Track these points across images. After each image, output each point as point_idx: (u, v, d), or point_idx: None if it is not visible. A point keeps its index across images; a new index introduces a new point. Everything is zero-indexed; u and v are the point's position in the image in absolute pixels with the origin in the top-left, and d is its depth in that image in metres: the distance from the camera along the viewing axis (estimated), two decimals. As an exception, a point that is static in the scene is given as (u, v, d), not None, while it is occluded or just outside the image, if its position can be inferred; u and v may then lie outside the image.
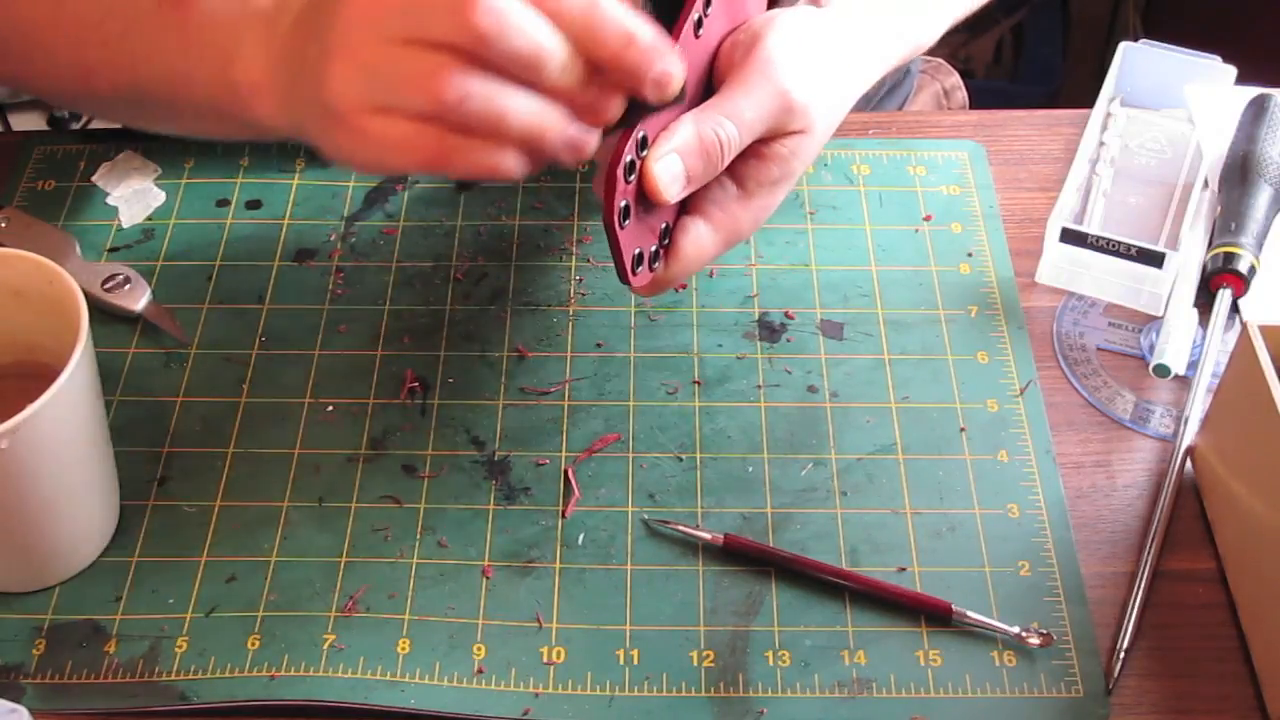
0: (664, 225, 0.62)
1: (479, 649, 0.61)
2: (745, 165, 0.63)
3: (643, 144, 0.59)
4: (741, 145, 0.61)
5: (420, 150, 0.57)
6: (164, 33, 0.66)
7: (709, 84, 0.63)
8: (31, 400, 0.56)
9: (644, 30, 0.55)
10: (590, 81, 0.56)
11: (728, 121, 0.60)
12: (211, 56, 0.64)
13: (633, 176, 0.58)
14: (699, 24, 0.62)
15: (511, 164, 0.57)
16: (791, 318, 0.74)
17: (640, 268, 0.61)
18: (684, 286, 0.76)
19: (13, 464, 0.57)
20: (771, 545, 0.65)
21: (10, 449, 0.56)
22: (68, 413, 0.58)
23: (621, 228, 0.58)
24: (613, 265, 0.59)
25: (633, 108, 0.58)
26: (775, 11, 0.65)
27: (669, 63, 0.56)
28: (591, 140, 0.58)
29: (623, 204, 0.58)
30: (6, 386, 0.62)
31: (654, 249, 0.61)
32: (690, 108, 0.61)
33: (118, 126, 0.83)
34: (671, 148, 0.59)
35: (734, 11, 0.65)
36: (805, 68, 0.62)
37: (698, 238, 0.62)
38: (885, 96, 1.01)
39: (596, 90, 0.57)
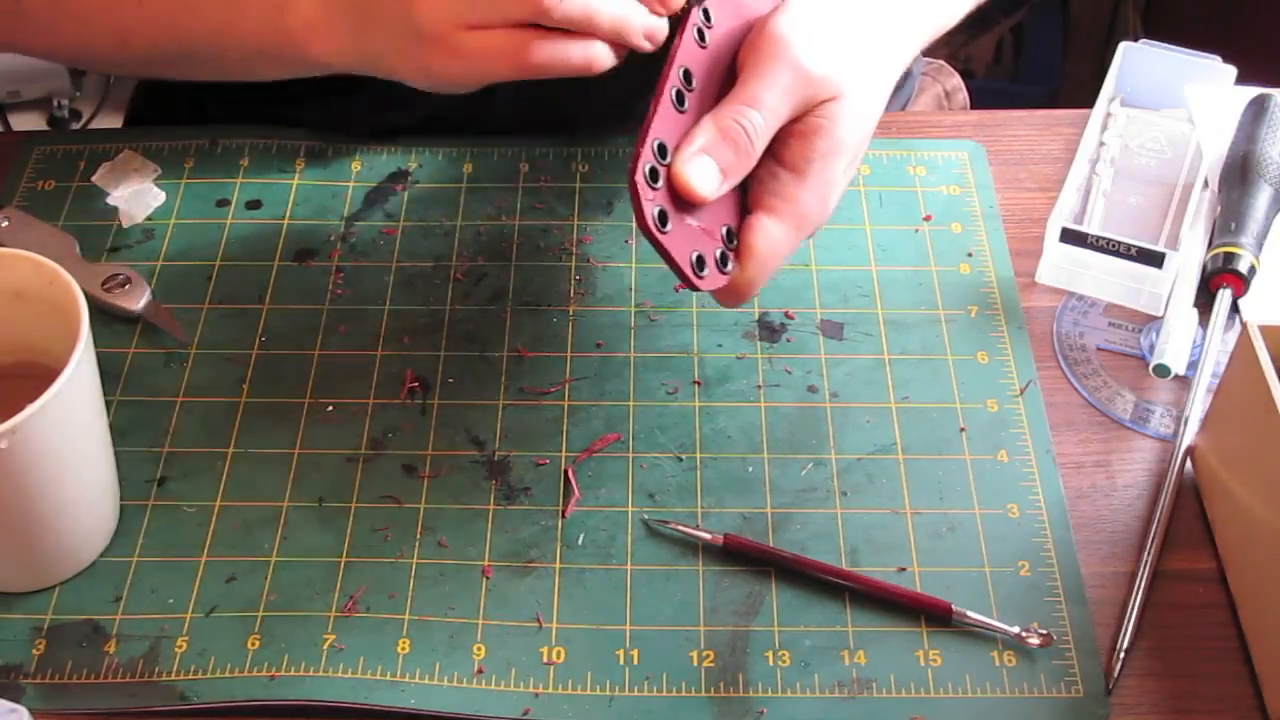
0: (726, 228, 0.62)
1: (479, 649, 0.61)
2: (789, 148, 0.62)
3: (662, 151, 0.59)
4: (770, 130, 0.60)
5: (519, 56, 0.62)
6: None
7: (724, 93, 0.63)
8: (31, 400, 0.56)
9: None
10: None
11: (748, 109, 0.60)
12: (258, 3, 0.67)
13: (659, 183, 0.59)
14: (701, 34, 0.62)
15: (604, 54, 0.64)
16: (791, 318, 0.74)
17: (706, 271, 0.60)
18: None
19: (13, 464, 0.57)
20: (771, 545, 0.65)
21: (10, 449, 0.56)
22: (68, 413, 0.58)
23: (662, 232, 0.58)
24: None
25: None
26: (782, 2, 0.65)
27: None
28: (664, 28, 0.64)
29: (656, 210, 0.58)
30: (6, 386, 0.62)
31: (720, 251, 0.61)
32: (705, 113, 0.61)
33: (118, 127, 0.83)
34: (697, 147, 0.59)
35: (741, 17, 0.65)
36: (819, 38, 0.62)
37: (765, 232, 0.62)
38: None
39: None
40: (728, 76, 0.64)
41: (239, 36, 0.69)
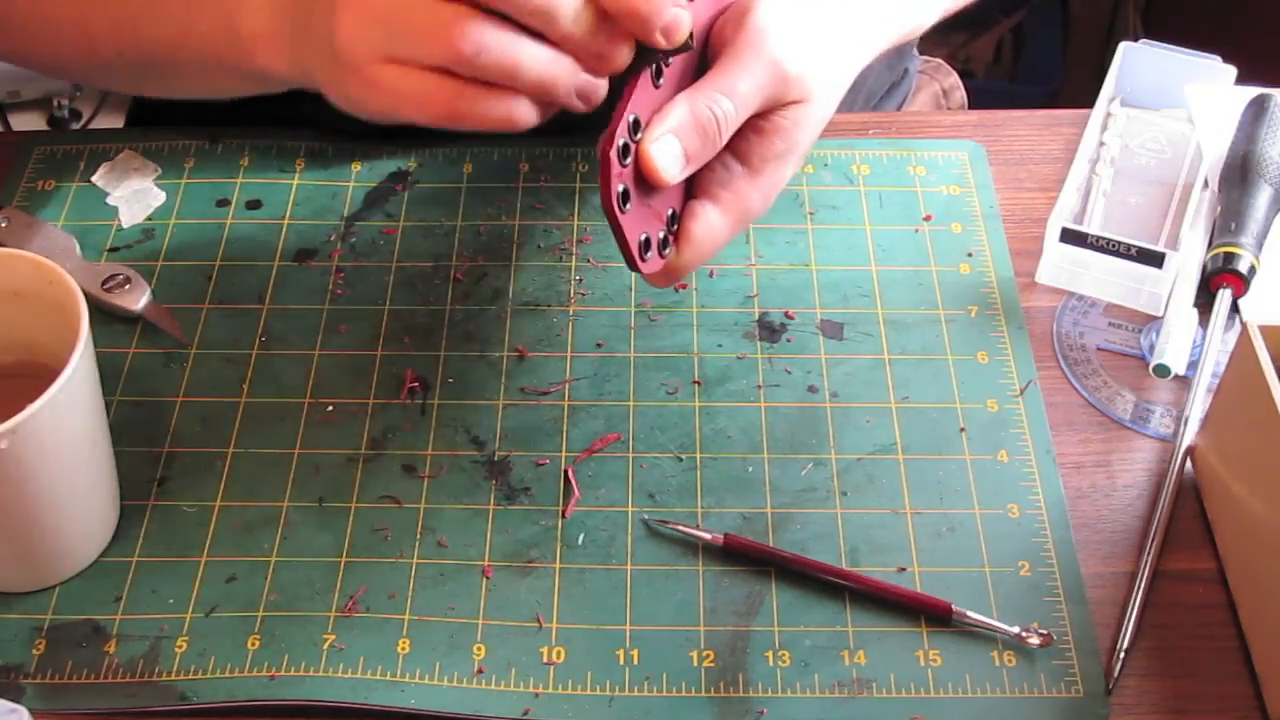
0: (671, 211, 0.61)
1: (479, 649, 0.61)
2: (747, 142, 0.62)
3: (635, 127, 0.58)
4: (739, 120, 0.60)
5: (434, 103, 0.58)
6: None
7: (701, 66, 0.63)
8: (31, 400, 0.56)
9: None
10: (599, 29, 0.57)
11: (722, 97, 0.59)
12: (214, 8, 0.64)
13: (629, 160, 0.58)
14: (625, 149, 0.60)
15: (524, 113, 0.59)
16: (791, 318, 0.74)
17: (649, 254, 0.60)
18: (683, 286, 0.75)
19: (13, 464, 0.57)
20: (771, 545, 0.65)
21: (10, 449, 0.56)
22: (68, 413, 0.58)
23: (622, 212, 0.58)
24: (620, 258, 0.59)
25: (640, 56, 0.58)
26: None
27: (677, 9, 0.57)
28: (601, 88, 0.59)
29: (620, 188, 0.58)
30: (6, 386, 0.62)
31: (663, 235, 0.61)
32: (682, 89, 0.60)
33: (118, 127, 0.83)
34: (667, 128, 0.58)
35: None
36: (797, 37, 0.62)
37: (707, 221, 0.62)
38: (885, 97, 1.01)
39: (605, 38, 0.57)
40: (699, 55, 0.63)
41: (195, 44, 0.67)
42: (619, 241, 0.59)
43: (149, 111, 0.99)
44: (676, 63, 0.61)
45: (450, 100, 0.57)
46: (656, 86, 0.60)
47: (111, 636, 0.62)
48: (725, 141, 0.60)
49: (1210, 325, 0.72)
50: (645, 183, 0.59)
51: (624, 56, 0.58)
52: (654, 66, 0.60)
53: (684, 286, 0.76)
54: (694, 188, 0.63)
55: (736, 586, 0.64)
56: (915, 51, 1.07)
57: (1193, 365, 0.72)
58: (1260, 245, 0.74)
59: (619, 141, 0.57)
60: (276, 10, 0.62)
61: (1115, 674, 0.61)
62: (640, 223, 0.59)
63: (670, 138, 0.58)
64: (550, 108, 0.59)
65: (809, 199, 0.80)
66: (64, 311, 0.60)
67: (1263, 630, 0.61)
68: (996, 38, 1.90)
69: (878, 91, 1.00)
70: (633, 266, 0.60)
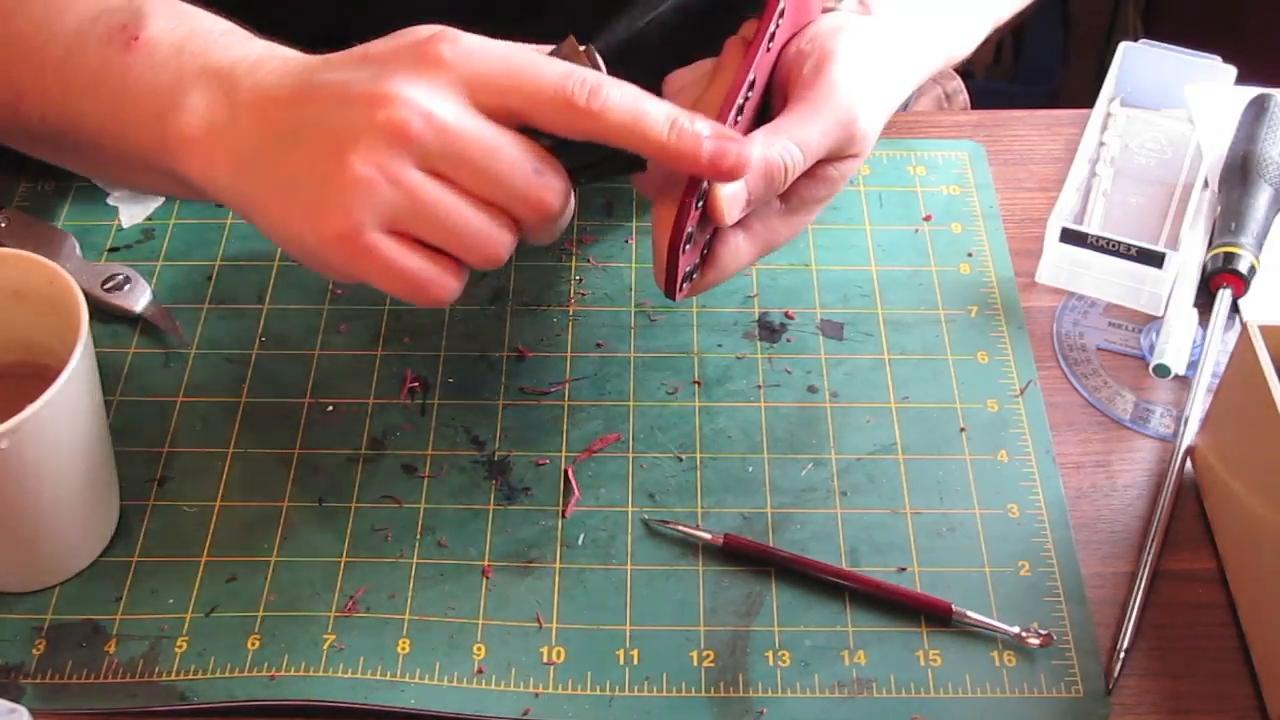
0: (708, 239, 0.62)
1: (479, 649, 0.61)
2: (795, 183, 0.62)
3: None
4: (802, 170, 0.60)
5: (424, 288, 0.56)
6: (106, 68, 0.60)
7: (768, 85, 0.63)
8: (32, 400, 0.55)
9: (705, 129, 0.55)
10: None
11: (795, 148, 0.59)
12: (149, 101, 0.59)
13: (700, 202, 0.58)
14: (772, 36, 0.61)
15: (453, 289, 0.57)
16: (791, 318, 0.74)
17: (685, 284, 0.61)
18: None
19: (13, 464, 0.57)
20: (771, 545, 0.65)
21: (10, 449, 0.56)
22: (68, 413, 0.58)
23: (684, 253, 0.59)
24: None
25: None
26: (838, 22, 0.64)
27: (738, 152, 0.55)
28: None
29: (689, 230, 0.58)
30: (7, 386, 0.62)
31: (696, 263, 0.62)
32: (754, 111, 0.61)
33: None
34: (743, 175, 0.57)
35: (799, 13, 0.64)
36: (871, 93, 0.62)
37: (736, 249, 0.62)
38: None
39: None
40: (771, 82, 0.63)
41: (118, 129, 0.60)
42: (666, 274, 0.59)
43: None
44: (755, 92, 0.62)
45: (447, 286, 0.56)
46: (737, 121, 0.60)
47: (111, 636, 0.62)
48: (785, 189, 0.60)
49: (1210, 325, 0.72)
50: (703, 221, 0.59)
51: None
52: (740, 103, 0.59)
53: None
54: None
55: (736, 586, 0.64)
56: None
57: (1193, 365, 0.72)
58: (1260, 245, 0.74)
59: (702, 186, 0.57)
60: (220, 123, 0.57)
61: (1115, 674, 0.61)
62: (688, 258, 0.60)
63: (741, 184, 0.58)
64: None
65: (809, 199, 0.80)
66: (64, 311, 0.60)
67: (1263, 630, 0.61)
68: (996, 38, 1.90)
69: None
70: (670, 295, 0.60)
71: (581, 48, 0.57)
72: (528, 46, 0.57)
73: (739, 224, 0.62)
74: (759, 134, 0.59)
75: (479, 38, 0.55)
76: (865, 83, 0.62)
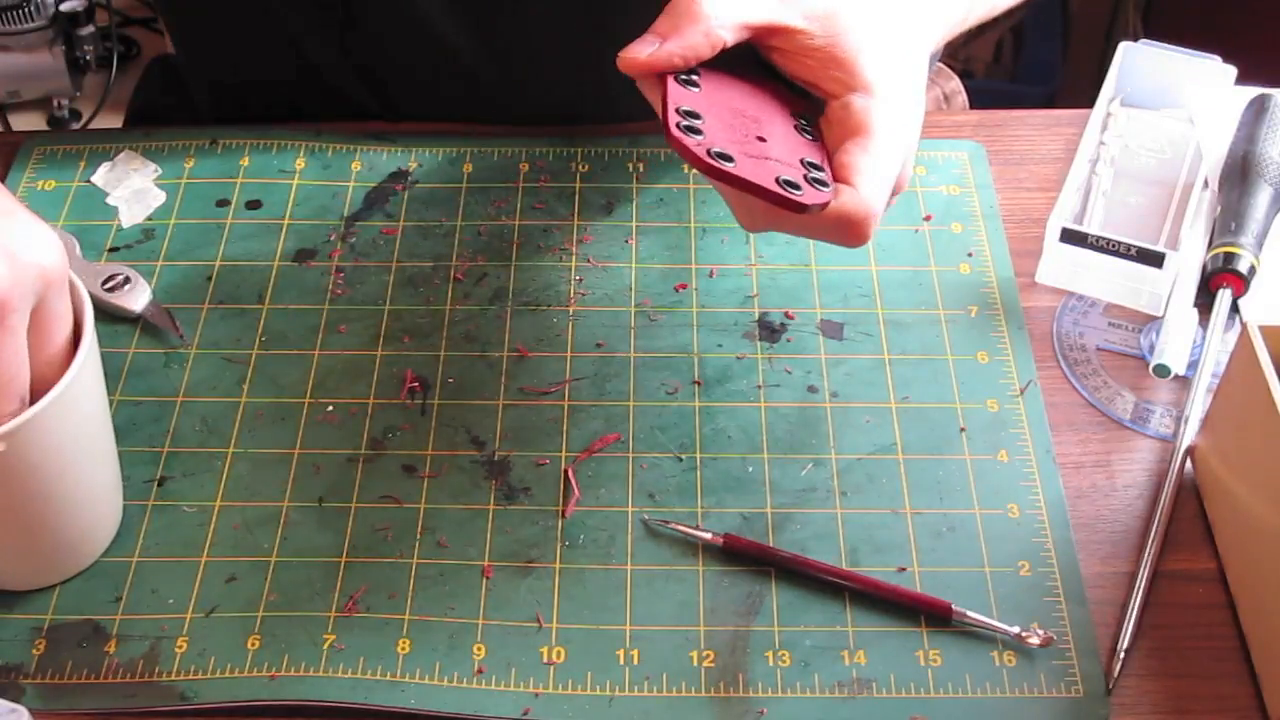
0: (802, 159, 0.56)
1: (479, 649, 0.61)
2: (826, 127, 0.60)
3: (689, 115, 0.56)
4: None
5: None
6: None
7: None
8: (37, 400, 0.56)
9: None
10: None
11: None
12: None
13: (702, 133, 0.55)
14: (689, 114, 0.56)
15: None
16: (791, 318, 0.74)
17: (802, 190, 0.54)
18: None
19: (15, 465, 0.57)
20: (771, 545, 0.65)
21: (12, 450, 0.56)
22: (70, 415, 0.58)
23: (728, 162, 0.54)
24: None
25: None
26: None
27: None
28: None
29: (711, 150, 0.54)
30: None
31: (806, 176, 0.55)
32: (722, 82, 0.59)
33: (118, 127, 0.83)
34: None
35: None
36: (860, 26, 0.60)
37: (861, 150, 0.58)
38: None
39: None
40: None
41: None
42: (748, 189, 0.54)
43: (149, 111, 0.99)
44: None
45: None
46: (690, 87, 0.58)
47: (111, 636, 0.62)
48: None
49: (1210, 325, 0.72)
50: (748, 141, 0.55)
51: None
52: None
53: (682, 287, 0.75)
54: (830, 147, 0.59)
55: (736, 586, 0.64)
56: None
57: (1193, 365, 0.72)
58: (1260, 245, 0.74)
59: (674, 118, 0.55)
60: None
61: (1115, 674, 0.61)
62: (763, 168, 0.54)
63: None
64: None
65: (809, 199, 0.80)
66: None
67: (1263, 630, 0.61)
68: (996, 38, 1.90)
69: None
70: (790, 206, 0.53)
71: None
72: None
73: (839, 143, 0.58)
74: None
75: None
76: (852, 18, 0.59)
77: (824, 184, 0.55)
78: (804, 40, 0.59)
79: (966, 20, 0.73)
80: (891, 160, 0.58)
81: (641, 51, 0.57)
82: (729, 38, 0.58)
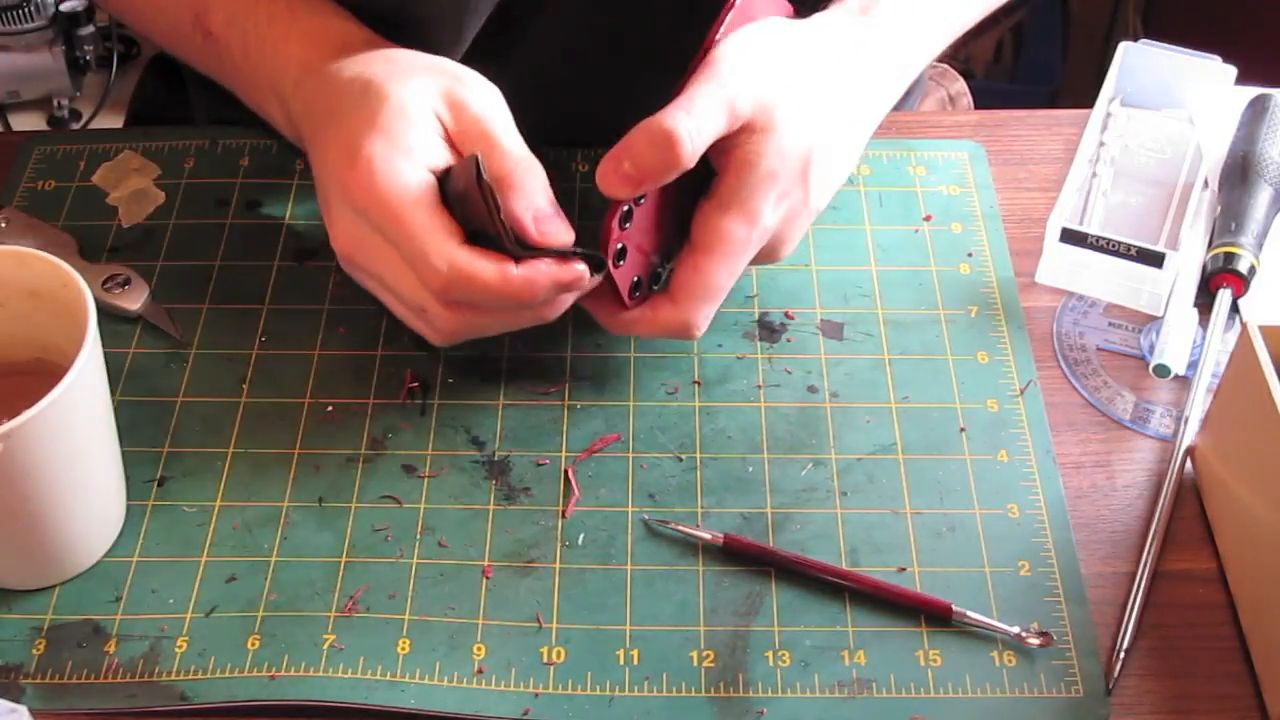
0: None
1: (479, 649, 0.61)
2: (720, 183, 0.64)
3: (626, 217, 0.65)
4: (694, 144, 0.61)
5: (388, 304, 0.67)
6: (203, 52, 0.74)
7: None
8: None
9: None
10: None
11: (676, 111, 0.61)
12: (250, 97, 0.74)
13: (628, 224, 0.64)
14: (629, 214, 0.64)
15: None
16: (791, 318, 0.74)
17: (638, 293, 0.66)
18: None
19: (15, 465, 0.57)
20: (771, 545, 0.65)
21: (11, 450, 0.56)
22: (72, 416, 0.58)
23: (616, 267, 0.64)
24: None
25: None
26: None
27: (558, 281, 0.63)
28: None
29: (619, 247, 0.64)
30: (24, 384, 0.62)
31: (654, 271, 0.66)
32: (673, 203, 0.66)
33: (118, 127, 0.83)
34: (617, 149, 0.61)
35: None
36: (752, 68, 0.63)
37: (692, 266, 0.65)
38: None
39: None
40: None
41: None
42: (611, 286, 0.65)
43: (149, 111, 0.99)
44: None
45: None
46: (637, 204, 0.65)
47: (111, 636, 0.62)
48: (689, 161, 0.61)
49: (1210, 325, 0.72)
50: (641, 228, 0.63)
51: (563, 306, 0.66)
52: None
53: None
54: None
55: (736, 586, 0.64)
56: None
57: (1193, 365, 0.72)
58: (1260, 245, 0.74)
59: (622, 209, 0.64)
60: (291, 132, 0.72)
61: (1115, 674, 0.61)
62: (635, 268, 0.65)
63: (614, 159, 0.61)
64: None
65: (809, 199, 0.80)
66: (74, 314, 0.60)
67: (1263, 630, 0.61)
68: (996, 38, 1.90)
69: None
70: (620, 306, 0.66)
71: (479, 173, 0.60)
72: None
73: (690, 243, 0.65)
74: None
75: (394, 163, 0.62)
76: (747, 59, 0.63)
77: (657, 281, 0.68)
78: (725, 142, 0.64)
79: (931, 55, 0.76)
80: (720, 274, 0.65)
81: (617, 183, 0.61)
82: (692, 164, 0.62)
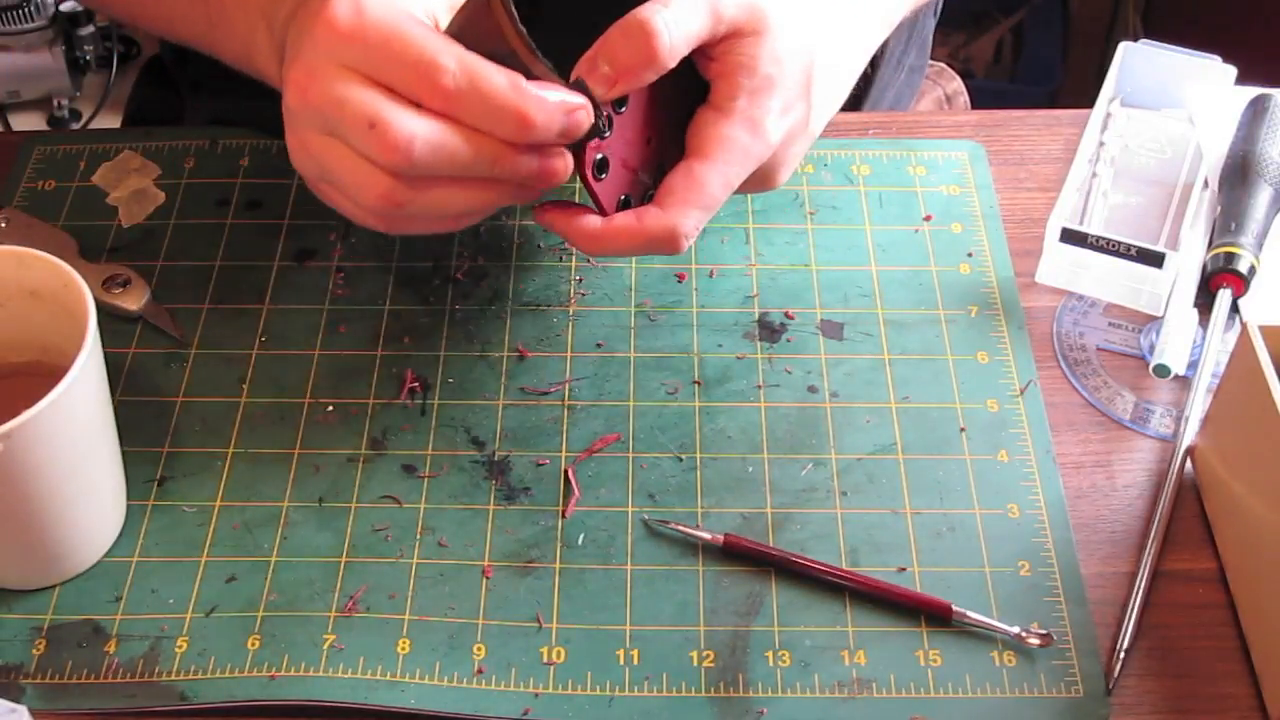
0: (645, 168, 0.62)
1: (479, 649, 0.61)
2: (715, 90, 0.60)
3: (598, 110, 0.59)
4: (672, 37, 0.57)
5: (343, 180, 0.59)
6: (193, 9, 0.70)
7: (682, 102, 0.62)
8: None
9: (531, 105, 0.55)
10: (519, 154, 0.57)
11: (650, 6, 0.57)
12: (236, 43, 0.68)
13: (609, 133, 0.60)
14: (610, 121, 0.60)
15: (465, 208, 0.59)
16: (791, 318, 0.74)
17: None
18: (683, 278, 0.75)
19: (15, 465, 0.57)
20: (771, 545, 0.65)
21: (10, 450, 0.56)
22: (71, 417, 0.58)
23: (598, 180, 0.60)
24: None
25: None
26: None
27: (570, 107, 0.56)
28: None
29: (598, 157, 0.59)
30: (24, 384, 0.62)
31: (647, 192, 0.62)
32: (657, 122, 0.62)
33: (118, 127, 0.83)
34: (592, 51, 0.57)
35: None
36: None
37: (687, 171, 0.60)
38: (889, 103, 1.01)
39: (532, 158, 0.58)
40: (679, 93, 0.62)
41: (222, 55, 0.70)
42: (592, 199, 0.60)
43: (149, 111, 0.99)
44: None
45: (386, 193, 0.57)
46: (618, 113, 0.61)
47: (111, 636, 0.62)
48: (668, 57, 0.57)
49: (1210, 325, 0.72)
50: (625, 147, 0.60)
51: (562, 165, 0.58)
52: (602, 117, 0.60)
53: (683, 278, 0.76)
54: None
55: (736, 586, 0.64)
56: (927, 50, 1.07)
57: (1193, 365, 0.72)
58: (1260, 245, 0.74)
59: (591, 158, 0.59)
60: (275, 56, 0.64)
61: (1115, 674, 0.61)
62: (619, 183, 0.61)
63: (595, 58, 0.57)
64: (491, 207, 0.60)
65: (809, 199, 0.80)
66: (74, 315, 0.60)
67: (1263, 630, 0.61)
68: (996, 38, 1.91)
69: (883, 92, 1.00)
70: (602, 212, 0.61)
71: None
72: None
73: (686, 150, 0.61)
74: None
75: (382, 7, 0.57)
76: None
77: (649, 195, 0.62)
78: (716, 49, 0.60)
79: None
80: (714, 180, 0.60)
81: (594, 85, 0.57)
82: (672, 65, 0.58)
